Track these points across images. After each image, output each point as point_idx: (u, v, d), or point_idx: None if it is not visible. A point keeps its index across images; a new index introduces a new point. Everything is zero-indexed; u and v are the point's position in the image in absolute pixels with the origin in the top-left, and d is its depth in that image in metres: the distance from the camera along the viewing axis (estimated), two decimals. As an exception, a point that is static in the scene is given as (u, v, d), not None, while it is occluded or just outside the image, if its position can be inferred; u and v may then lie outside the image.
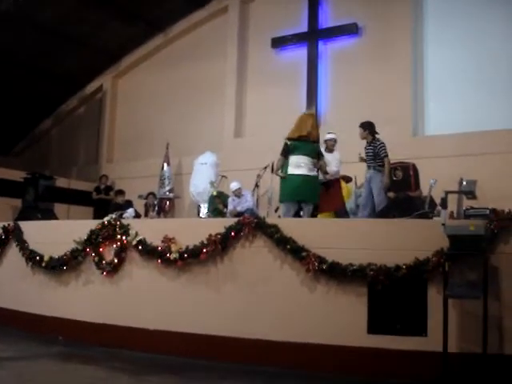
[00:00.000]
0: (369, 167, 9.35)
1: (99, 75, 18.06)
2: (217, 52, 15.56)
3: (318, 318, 7.12)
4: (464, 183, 7.40)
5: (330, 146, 10.19)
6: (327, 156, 9.97)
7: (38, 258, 9.34)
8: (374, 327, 6.87)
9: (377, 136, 9.50)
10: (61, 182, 15.41)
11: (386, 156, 9.20)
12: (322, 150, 10.00)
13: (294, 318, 7.24)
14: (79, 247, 8.81)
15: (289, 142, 9.42)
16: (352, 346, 6.89)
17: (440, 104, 12.37)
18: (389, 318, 6.82)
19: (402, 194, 9.10)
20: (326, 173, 9.84)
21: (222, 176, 13.28)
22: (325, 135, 10.35)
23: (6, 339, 8.77)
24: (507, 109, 11.46)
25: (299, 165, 9.21)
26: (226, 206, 11.90)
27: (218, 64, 15.43)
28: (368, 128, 9.49)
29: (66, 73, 17.09)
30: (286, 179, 9.32)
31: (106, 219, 8.82)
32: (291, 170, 9.26)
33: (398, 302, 6.79)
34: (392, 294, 6.78)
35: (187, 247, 7.81)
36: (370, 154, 9.32)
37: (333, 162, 10.03)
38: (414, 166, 9.60)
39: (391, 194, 9.44)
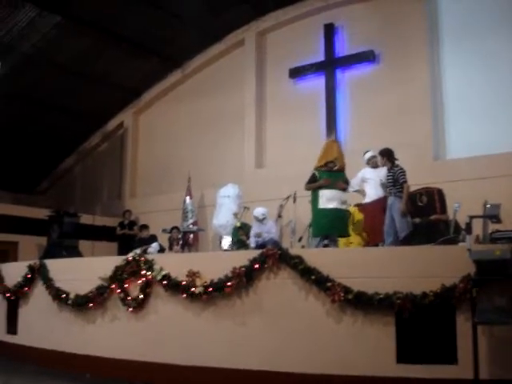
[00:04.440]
0: (390, 194, 9.29)
1: (120, 111, 18.27)
2: (235, 84, 15.68)
3: (346, 349, 7.05)
4: (488, 207, 7.32)
5: (373, 164, 10.13)
6: (371, 174, 9.97)
7: (64, 295, 9.42)
8: (402, 356, 6.80)
9: (396, 162, 9.47)
10: (85, 219, 15.52)
11: (405, 182, 9.15)
12: (368, 168, 10.11)
13: (321, 349, 7.18)
14: (104, 284, 8.85)
15: (317, 173, 9.49)
16: (381, 376, 6.82)
17: (460, 127, 12.28)
18: (418, 347, 6.74)
19: (425, 220, 9.02)
20: (363, 195, 9.99)
21: (245, 207, 13.29)
22: (365, 156, 10.34)
23: (35, 377, 8.81)
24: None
25: (331, 198, 9.26)
26: (248, 236, 11.88)
27: (237, 96, 15.54)
28: (386, 155, 9.49)
29: (87, 110, 17.34)
30: (318, 213, 9.34)
31: (130, 255, 8.87)
32: (323, 204, 9.30)
33: (426, 330, 6.72)
34: (420, 322, 6.71)
35: (212, 281, 7.80)
36: (390, 180, 9.29)
37: (377, 180, 9.90)
38: (439, 190, 9.56)
39: (417, 220, 9.38)
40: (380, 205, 9.52)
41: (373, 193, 9.84)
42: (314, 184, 9.62)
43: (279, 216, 10.60)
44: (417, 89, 12.76)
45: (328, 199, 9.29)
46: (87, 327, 9.21)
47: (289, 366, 7.29)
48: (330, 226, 9.34)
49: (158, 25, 14.71)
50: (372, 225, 9.73)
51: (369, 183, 9.95)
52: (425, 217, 9.17)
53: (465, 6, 12.72)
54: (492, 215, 7.09)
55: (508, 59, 11.89)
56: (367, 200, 10.01)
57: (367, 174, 10.09)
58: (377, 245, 9.43)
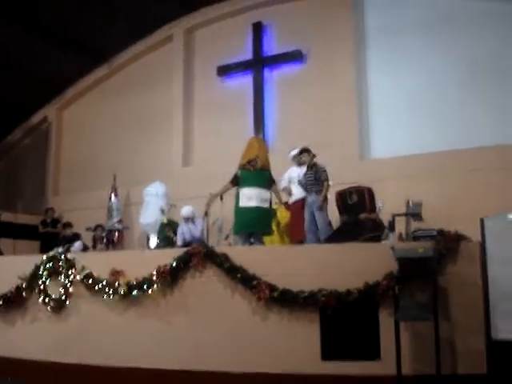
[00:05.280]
0: (309, 192, 9.30)
1: (44, 106, 17.74)
2: (163, 81, 15.47)
3: (272, 346, 7.07)
4: (410, 205, 7.47)
5: (299, 162, 10.13)
6: (294, 171, 10.08)
7: (-19, 295, 9.05)
8: (327, 353, 6.88)
9: (315, 160, 9.54)
10: (6, 216, 15.01)
11: (327, 180, 9.20)
12: (295, 167, 10.18)
13: (247, 348, 7.18)
14: (24, 283, 8.57)
15: (239, 172, 9.50)
16: (307, 373, 6.88)
17: (385, 127, 12.50)
18: (342, 343, 6.83)
19: (353, 218, 9.10)
20: (280, 199, 10.02)
21: (172, 205, 13.13)
22: (290, 154, 10.43)
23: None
24: (450, 130, 11.66)
25: (251, 197, 9.26)
26: (176, 233, 11.76)
27: (165, 93, 15.35)
28: (311, 152, 9.51)
29: (9, 104, 16.69)
30: (238, 211, 9.36)
31: (51, 253, 8.62)
32: (243, 203, 9.31)
33: (350, 327, 6.81)
34: (344, 319, 6.80)
35: (136, 280, 7.67)
36: (311, 178, 9.31)
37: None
38: (369, 189, 9.64)
39: (345, 218, 9.45)
40: (303, 203, 9.59)
41: (298, 192, 9.91)
42: (220, 190, 9.76)
43: (206, 214, 10.51)
44: (342, 89, 12.90)
45: (248, 198, 9.28)
46: (7, 328, 8.88)
47: (214, 364, 7.25)
48: (251, 224, 9.34)
49: (84, 17, 14.33)
50: (295, 223, 9.78)
51: (294, 182, 10.01)
52: (354, 215, 9.23)
53: (388, 8, 12.96)
54: (414, 213, 7.25)
55: (430, 60, 12.18)
56: (293, 199, 10.08)
57: (293, 173, 10.15)
58: (301, 242, 9.49)
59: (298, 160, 10.10)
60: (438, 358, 6.13)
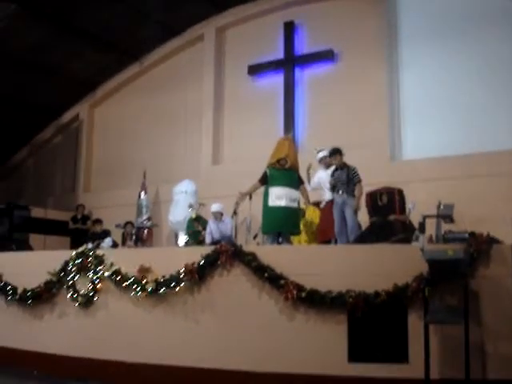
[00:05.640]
0: (339, 192, 9.14)
1: (75, 104, 17.90)
2: (193, 80, 15.51)
3: (298, 347, 7.01)
4: (442, 207, 7.35)
5: (325, 164, 10.05)
6: (323, 174, 9.97)
7: (11, 290, 9.15)
8: (354, 355, 6.79)
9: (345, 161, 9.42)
10: (37, 212, 15.18)
11: (360, 181, 9.09)
12: (321, 169, 10.11)
13: (273, 347, 7.13)
14: (53, 279, 8.64)
15: (268, 171, 9.48)
16: (333, 375, 6.79)
17: (417, 128, 12.37)
18: (369, 346, 6.74)
19: (380, 219, 9.01)
20: (307, 199, 10.03)
21: (201, 204, 13.15)
22: (318, 155, 10.31)
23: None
24: (482, 132, 11.49)
25: (280, 196, 9.25)
26: (204, 229, 11.77)
27: (195, 92, 15.38)
28: (340, 153, 9.36)
29: (42, 102, 16.91)
30: (267, 211, 9.36)
31: (80, 249, 8.67)
32: (273, 202, 9.31)
33: (378, 329, 6.72)
34: (372, 321, 6.71)
35: (163, 277, 7.68)
36: (343, 178, 9.14)
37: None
38: (400, 190, 9.52)
39: (374, 219, 9.35)
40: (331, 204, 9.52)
41: (329, 194, 9.87)
42: (249, 189, 9.78)
43: (235, 213, 10.49)
44: (374, 88, 12.81)
45: (277, 197, 9.29)
46: (35, 323, 8.99)
47: (240, 363, 7.22)
48: (279, 224, 9.35)
49: (116, 17, 14.44)
50: (325, 223, 9.70)
51: (325, 184, 9.96)
52: (383, 217, 9.13)
53: (423, 8, 12.83)
54: (445, 215, 7.13)
55: (464, 62, 12.03)
56: (325, 200, 10.04)
57: (322, 177, 10.05)
58: (328, 241, 9.41)
59: (326, 162, 9.99)
60: (468, 363, 6.02)
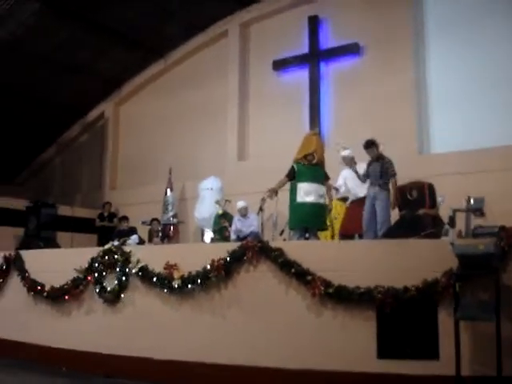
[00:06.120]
0: (373, 185, 8.88)
1: (101, 102, 18.03)
2: (218, 76, 15.48)
3: (326, 343, 6.93)
4: (472, 201, 7.21)
5: (347, 163, 9.81)
6: (347, 173, 9.96)
7: (39, 287, 9.24)
8: (383, 352, 6.69)
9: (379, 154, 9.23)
10: (64, 210, 15.31)
11: (395, 174, 8.77)
12: (346, 171, 10.03)
13: (300, 344, 7.05)
14: (80, 276, 8.68)
15: (295, 166, 9.42)
16: (362, 371, 6.70)
17: (445, 121, 12.19)
18: (399, 342, 6.63)
19: (409, 214, 8.85)
20: (335, 189, 10.12)
21: (226, 200, 13.12)
22: (343, 153, 10.01)
23: (9, 370, 8.64)
24: (510, 125, 11.27)
25: (309, 192, 9.18)
26: (230, 225, 11.76)
27: (220, 88, 15.35)
28: (375, 145, 9.15)
29: (67, 101, 17.07)
30: (295, 206, 9.29)
31: (106, 246, 8.70)
32: (301, 198, 9.24)
33: (407, 325, 6.61)
34: (401, 317, 6.60)
35: (190, 273, 7.65)
36: (377, 171, 8.84)
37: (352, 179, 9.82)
38: (430, 185, 9.36)
39: (403, 213, 9.18)
40: (360, 202, 9.40)
41: (356, 190, 9.88)
42: (277, 185, 9.62)
43: (261, 209, 10.43)
44: (401, 81, 12.62)
45: (306, 193, 9.20)
46: (62, 320, 9.05)
47: (268, 360, 7.15)
48: (307, 219, 9.28)
49: (141, 15, 14.47)
50: (351, 218, 9.58)
51: (350, 183, 9.99)
52: (413, 211, 8.97)
53: (449, -1, 12.64)
54: (476, 209, 7.00)
55: (494, 53, 11.80)
56: (352, 198, 10.03)
57: (347, 176, 10.04)
58: (351, 237, 9.28)
59: (348, 161, 9.78)
60: (500, 360, 5.89)
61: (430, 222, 8.36)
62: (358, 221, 9.02)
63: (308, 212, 9.21)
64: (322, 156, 9.69)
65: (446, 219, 7.89)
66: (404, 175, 9.72)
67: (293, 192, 9.39)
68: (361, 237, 9.10)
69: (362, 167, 9.26)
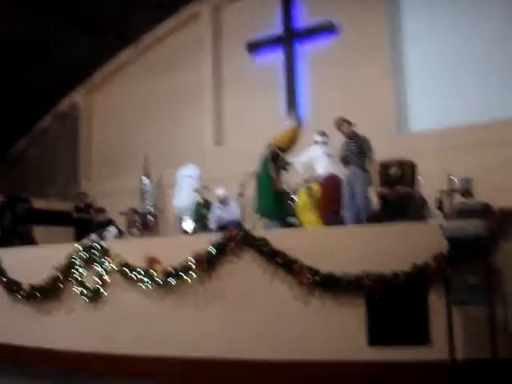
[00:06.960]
0: (348, 164, 8.61)
1: (72, 91, 17.59)
2: (191, 60, 15.19)
3: (315, 333, 6.83)
4: (458, 181, 7.06)
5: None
6: (319, 150, 9.73)
7: (16, 287, 8.98)
8: (374, 339, 6.62)
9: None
10: (39, 204, 14.93)
11: (372, 152, 8.55)
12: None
13: (288, 334, 6.95)
14: (59, 274, 8.45)
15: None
16: (353, 359, 6.62)
17: (424, 99, 12.03)
18: (389, 329, 6.55)
19: (396, 194, 8.61)
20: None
21: (204, 187, 12.88)
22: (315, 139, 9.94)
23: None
24: (492, 100, 11.14)
25: None
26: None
27: (194, 72, 15.06)
28: (349, 121, 8.92)
29: (36, 90, 16.53)
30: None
31: (85, 242, 8.47)
32: None
33: (397, 311, 6.51)
34: (391, 303, 6.48)
35: (172, 267, 7.46)
36: (353, 150, 8.58)
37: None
38: (412, 163, 9.17)
39: (384, 191, 8.88)
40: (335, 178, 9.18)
41: (324, 168, 9.61)
42: None
43: (240, 195, 10.23)
44: (378, 60, 12.43)
45: None
46: (43, 319, 8.84)
47: (256, 352, 7.05)
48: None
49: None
50: (328, 196, 9.27)
51: (318, 160, 9.71)
52: (395, 189, 8.74)
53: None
54: (464, 190, 6.86)
55: (471, 28, 11.65)
56: (321, 174, 9.65)
57: (318, 153, 9.77)
58: (336, 212, 9.00)
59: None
60: (494, 342, 5.78)
61: (413, 204, 8.19)
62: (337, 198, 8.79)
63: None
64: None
65: (430, 200, 7.78)
66: (382, 155, 9.54)
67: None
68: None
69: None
